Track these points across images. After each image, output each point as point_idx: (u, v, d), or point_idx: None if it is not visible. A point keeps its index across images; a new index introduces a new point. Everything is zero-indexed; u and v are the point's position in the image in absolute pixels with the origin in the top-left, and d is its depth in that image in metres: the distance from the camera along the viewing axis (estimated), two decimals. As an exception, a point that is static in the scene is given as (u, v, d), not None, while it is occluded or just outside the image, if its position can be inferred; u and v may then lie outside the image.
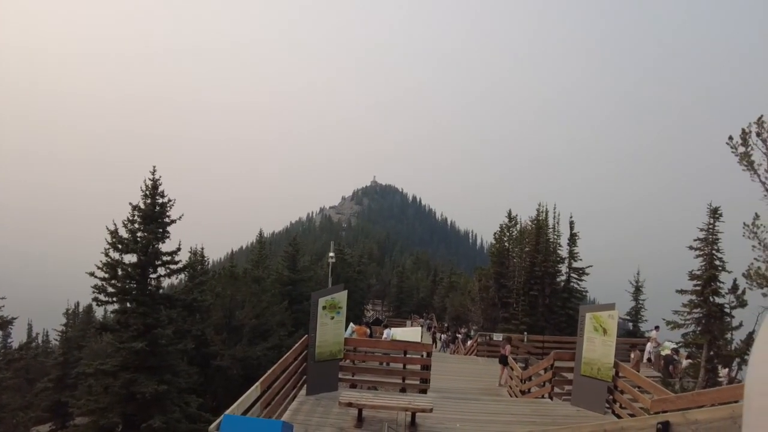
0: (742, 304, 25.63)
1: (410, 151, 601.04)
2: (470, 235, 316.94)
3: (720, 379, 22.86)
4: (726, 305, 26.19)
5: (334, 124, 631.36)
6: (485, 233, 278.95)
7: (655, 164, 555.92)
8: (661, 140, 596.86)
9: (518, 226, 38.68)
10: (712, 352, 24.25)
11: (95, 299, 21.49)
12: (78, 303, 56.18)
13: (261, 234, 52.86)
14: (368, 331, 24.49)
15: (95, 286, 21.49)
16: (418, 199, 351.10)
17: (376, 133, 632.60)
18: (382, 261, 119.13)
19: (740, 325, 22.50)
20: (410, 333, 21.74)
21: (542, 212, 37.86)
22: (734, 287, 26.03)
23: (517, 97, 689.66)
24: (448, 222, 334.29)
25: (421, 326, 40.96)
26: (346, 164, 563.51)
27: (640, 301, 37.49)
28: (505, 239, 38.70)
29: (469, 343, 33.37)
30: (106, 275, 21.62)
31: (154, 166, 23.16)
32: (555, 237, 37.01)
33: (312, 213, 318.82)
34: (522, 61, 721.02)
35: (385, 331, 22.82)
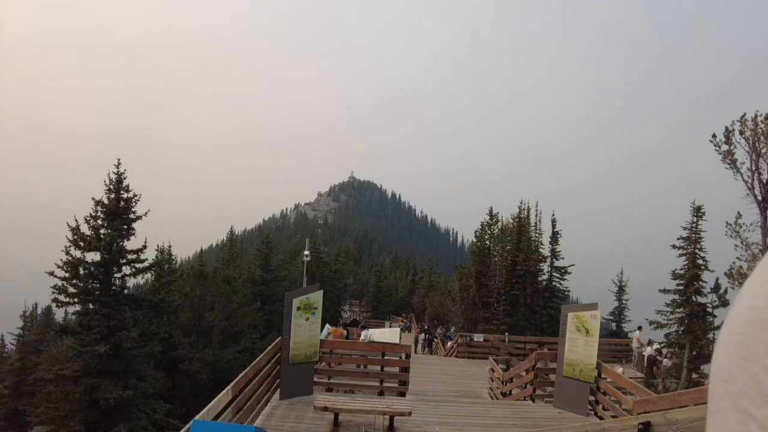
0: (725, 303, 26.28)
1: (391, 149, 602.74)
2: (451, 233, 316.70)
3: (702, 380, 23.44)
4: (708, 305, 26.82)
5: (312, 120, 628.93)
6: (466, 232, 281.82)
7: (641, 166, 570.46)
8: (647, 141, 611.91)
9: (500, 224, 38.79)
10: (694, 352, 24.86)
11: (55, 300, 21.05)
12: (36, 304, 54.90)
13: (232, 231, 51.82)
14: (345, 332, 24.42)
15: (55, 287, 21.06)
16: (397, 196, 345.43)
17: (356, 130, 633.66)
18: (359, 260, 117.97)
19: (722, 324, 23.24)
20: (388, 334, 21.86)
21: (524, 210, 38.27)
22: (716, 287, 26.69)
23: (504, 97, 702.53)
24: (429, 220, 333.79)
25: (401, 327, 41.21)
26: (323, 161, 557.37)
27: (624, 301, 38.02)
28: (486, 237, 38.70)
29: (449, 344, 33.75)
30: (67, 274, 21.21)
31: (119, 159, 22.83)
32: (537, 235, 37.40)
33: (286, 210, 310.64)
34: (513, 60, 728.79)
35: (363, 333, 22.90)
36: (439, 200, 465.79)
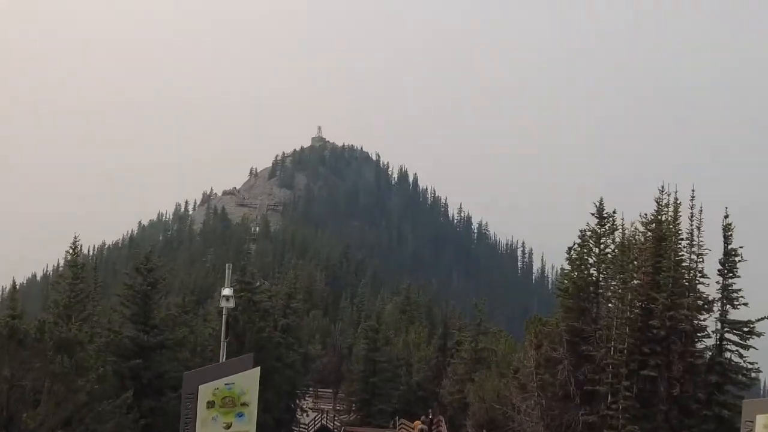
0: None
1: (397, 93, 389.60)
2: (519, 251, 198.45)
3: None
4: None
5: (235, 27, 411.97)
6: (550, 252, 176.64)
7: None
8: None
9: (618, 234, 22.48)
10: None
11: None
12: None
13: (75, 247, 29.73)
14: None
15: None
16: (409, 178, 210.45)
17: (322, 51, 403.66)
18: (334, 305, 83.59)
19: None
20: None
21: (666, 205, 21.37)
22: None
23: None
24: (474, 225, 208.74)
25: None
26: (263, 112, 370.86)
27: None
28: (591, 262, 22.97)
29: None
30: None
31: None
32: (693, 257, 20.58)
33: (185, 204, 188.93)
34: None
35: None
36: (496, 192, 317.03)
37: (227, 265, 10.30)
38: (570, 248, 24.32)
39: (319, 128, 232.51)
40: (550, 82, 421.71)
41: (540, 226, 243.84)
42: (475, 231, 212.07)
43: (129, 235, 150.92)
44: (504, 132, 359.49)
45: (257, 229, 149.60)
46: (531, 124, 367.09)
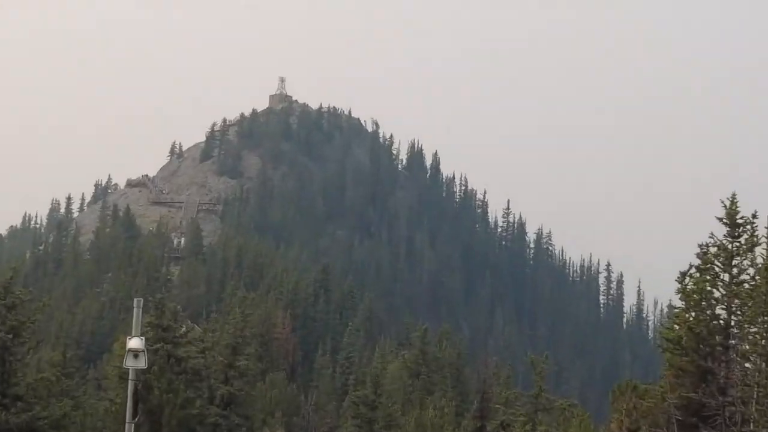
0: None
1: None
2: (600, 276, 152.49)
3: None
4: None
5: None
6: (649, 279, 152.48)
7: None
8: None
9: (761, 252, 18.02)
10: None
11: None
12: None
13: None
14: None
15: None
16: (423, 156, 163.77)
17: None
18: (306, 359, 72.30)
19: None
20: None
21: None
22: None
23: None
24: (528, 235, 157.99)
25: None
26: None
27: None
28: (717, 295, 19.29)
29: None
30: None
31: None
32: None
33: (69, 201, 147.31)
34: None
35: None
36: (562, 187, 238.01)
37: (135, 300, 8.99)
38: (683, 274, 20.35)
39: (282, 81, 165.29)
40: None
41: (633, 238, 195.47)
42: (531, 245, 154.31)
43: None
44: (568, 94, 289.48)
45: (182, 241, 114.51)
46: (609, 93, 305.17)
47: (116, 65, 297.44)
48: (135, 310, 8.66)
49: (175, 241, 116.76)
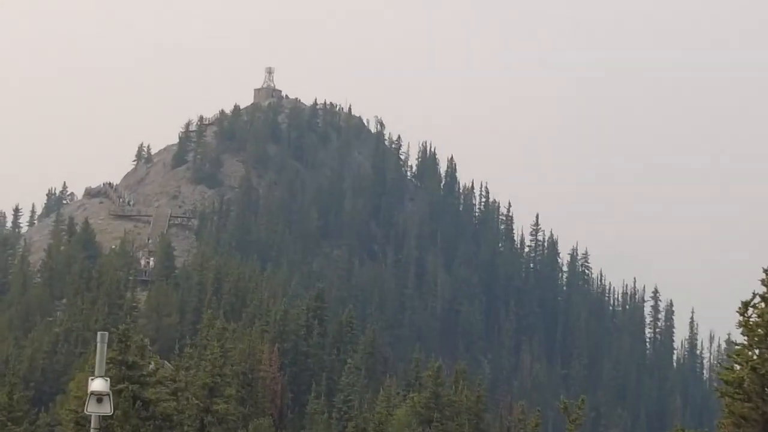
0: None
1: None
2: (646, 305, 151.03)
3: None
4: None
5: None
6: (704, 309, 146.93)
7: None
8: None
9: None
10: None
11: None
12: None
13: None
14: None
15: None
16: (436, 160, 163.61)
17: None
18: (296, 402, 76.91)
19: None
20: None
21: None
22: None
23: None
24: (561, 254, 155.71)
25: None
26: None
27: None
28: None
29: None
30: None
31: None
32: None
33: (17, 212, 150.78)
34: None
35: None
36: (596, 199, 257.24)
37: (99, 334, 8.90)
38: (746, 303, 20.46)
39: (270, 73, 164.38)
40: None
41: (685, 261, 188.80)
42: (564, 267, 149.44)
43: None
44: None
45: (151, 261, 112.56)
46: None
47: (76, 46, 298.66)
48: (98, 345, 8.61)
49: (143, 262, 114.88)
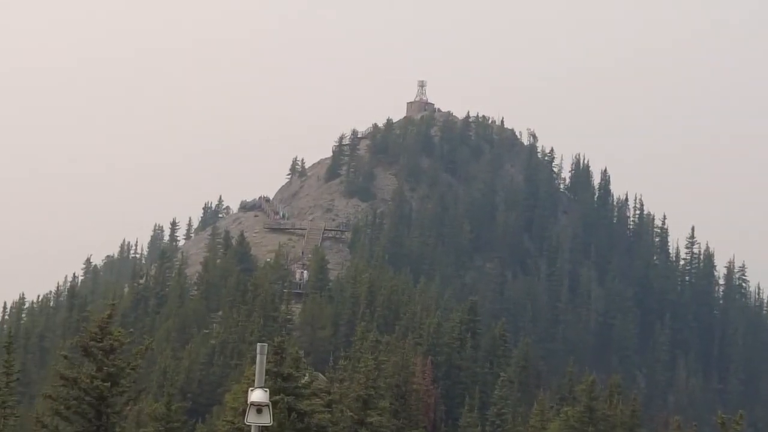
0: None
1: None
2: None
3: None
4: None
5: None
6: None
7: None
8: None
9: None
10: None
11: None
12: None
13: None
14: None
15: None
16: (590, 174, 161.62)
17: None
18: (449, 414, 76.95)
19: None
20: None
21: None
22: None
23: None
24: (717, 269, 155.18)
25: None
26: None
27: None
28: None
29: None
30: None
31: None
32: None
33: (174, 226, 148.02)
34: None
35: None
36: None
37: (258, 346, 8.74)
38: None
39: (422, 86, 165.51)
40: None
41: None
42: (721, 281, 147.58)
43: (66, 284, 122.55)
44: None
45: (305, 274, 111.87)
46: None
47: (232, 69, 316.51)
48: (258, 356, 8.62)
49: (297, 274, 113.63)
